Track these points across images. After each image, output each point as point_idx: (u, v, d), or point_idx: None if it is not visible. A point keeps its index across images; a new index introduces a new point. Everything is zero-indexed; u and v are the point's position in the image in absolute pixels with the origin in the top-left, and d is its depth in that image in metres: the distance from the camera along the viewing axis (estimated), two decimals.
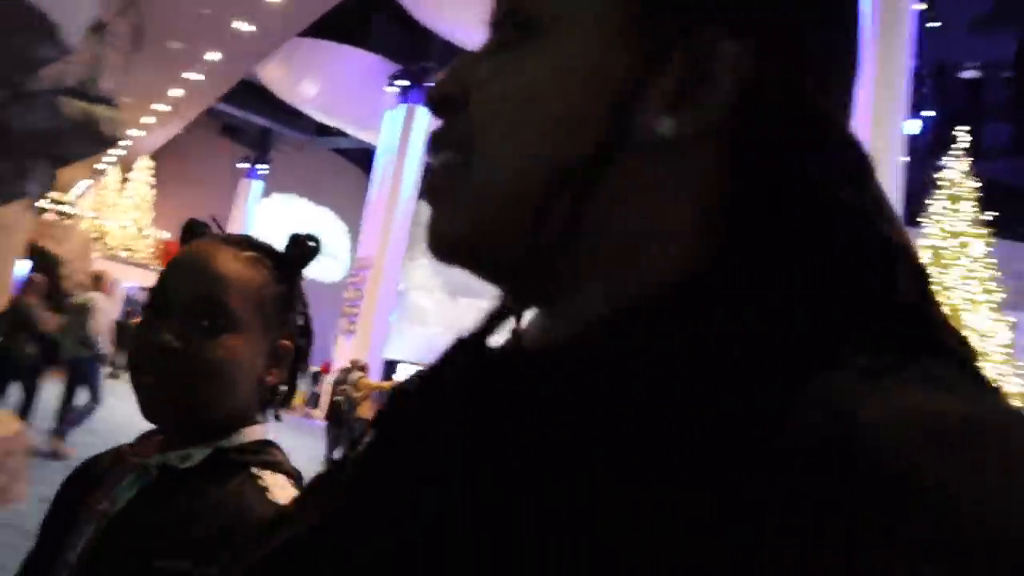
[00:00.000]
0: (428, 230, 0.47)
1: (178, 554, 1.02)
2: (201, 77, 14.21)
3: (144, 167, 21.72)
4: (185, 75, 14.06)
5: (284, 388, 1.23)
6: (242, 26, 11.60)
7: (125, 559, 1.06)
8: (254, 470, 1.12)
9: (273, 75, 14.66)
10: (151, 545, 1.04)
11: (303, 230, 1.25)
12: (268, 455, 1.16)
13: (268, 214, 22.18)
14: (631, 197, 0.44)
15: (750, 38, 0.43)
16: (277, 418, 1.24)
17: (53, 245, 13.17)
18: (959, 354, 0.38)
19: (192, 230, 1.26)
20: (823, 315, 0.38)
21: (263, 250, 1.20)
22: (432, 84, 0.49)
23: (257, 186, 22.21)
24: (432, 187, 0.47)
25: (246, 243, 1.20)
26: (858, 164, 0.44)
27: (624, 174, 0.44)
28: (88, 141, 9.65)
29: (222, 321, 1.11)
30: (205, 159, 21.67)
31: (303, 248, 1.24)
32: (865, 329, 0.37)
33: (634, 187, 0.44)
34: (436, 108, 0.48)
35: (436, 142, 0.48)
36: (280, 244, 1.21)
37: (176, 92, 15.04)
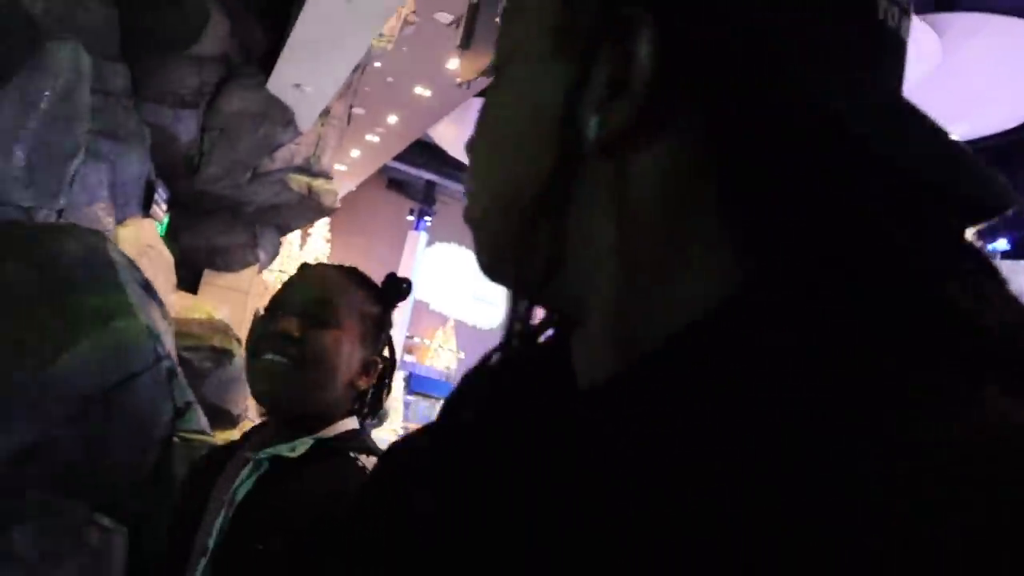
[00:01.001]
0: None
1: (295, 532, 1.16)
2: (378, 139, 15.22)
3: (322, 223, 23.14)
4: (367, 138, 15.09)
5: (371, 398, 1.42)
6: (423, 92, 12.47)
7: (254, 540, 1.21)
8: (352, 454, 1.30)
9: (445, 133, 15.55)
10: (275, 527, 1.20)
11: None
12: (361, 442, 1.34)
13: (433, 262, 23.19)
14: (595, 210, 0.42)
15: (666, 10, 0.39)
16: (362, 425, 1.41)
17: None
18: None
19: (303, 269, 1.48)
20: (887, 344, 0.34)
21: (366, 279, 1.45)
22: None
23: (423, 237, 23.27)
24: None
25: (354, 271, 1.47)
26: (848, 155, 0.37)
27: (590, 186, 0.42)
28: (310, 212, 10.59)
29: (331, 318, 1.34)
30: (374, 213, 22.91)
31: (397, 285, 1.47)
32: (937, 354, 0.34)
33: (594, 200, 0.42)
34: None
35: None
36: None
37: (355, 153, 16.12)
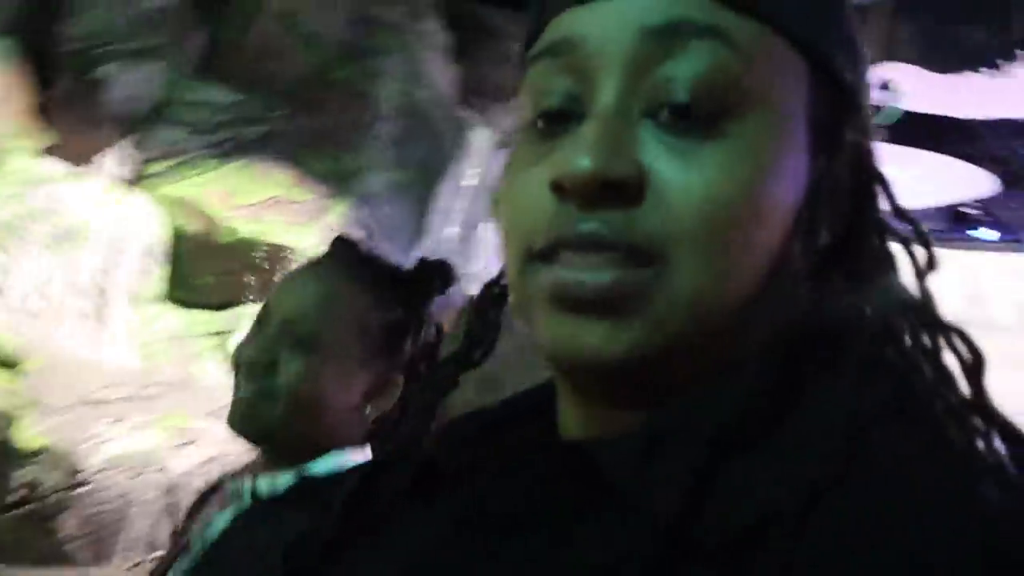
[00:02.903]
0: (599, 346, 0.41)
1: None
2: None
3: None
4: None
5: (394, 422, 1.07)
6: None
7: None
8: None
9: None
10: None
11: (434, 255, 1.16)
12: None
13: None
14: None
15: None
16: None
17: None
18: None
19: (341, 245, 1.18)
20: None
21: (384, 273, 1.12)
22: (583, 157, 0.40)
23: None
24: (608, 295, 0.41)
25: (362, 266, 1.12)
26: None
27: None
28: None
29: (310, 342, 1.04)
30: None
31: (429, 274, 1.13)
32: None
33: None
34: (591, 192, 0.40)
35: (599, 245, 0.41)
36: None
37: None
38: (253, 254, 4.44)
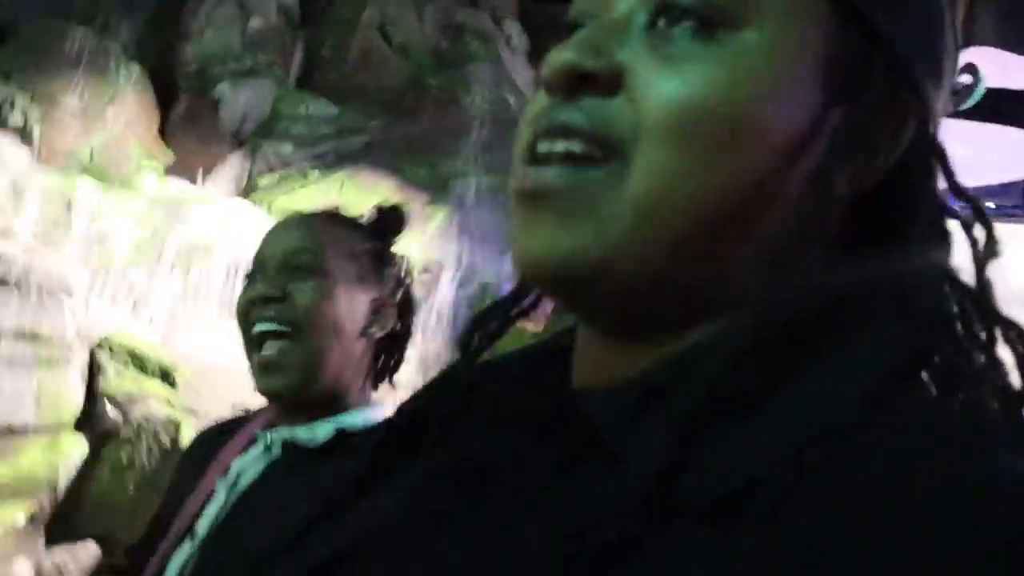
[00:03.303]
0: (538, 247, 0.41)
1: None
2: None
3: None
4: None
5: (390, 347, 1.22)
6: None
7: (254, 541, 1.00)
8: None
9: None
10: (278, 524, 0.98)
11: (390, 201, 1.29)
12: None
13: None
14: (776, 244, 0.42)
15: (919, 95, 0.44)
16: (391, 384, 1.24)
17: None
18: None
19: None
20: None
21: (350, 218, 1.25)
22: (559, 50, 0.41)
23: None
24: (558, 195, 0.40)
25: (335, 211, 1.26)
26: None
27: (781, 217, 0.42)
28: None
29: (313, 264, 1.14)
30: None
31: (389, 215, 1.26)
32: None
33: (783, 234, 0.42)
34: (567, 83, 0.41)
35: (567, 130, 0.41)
36: None
37: None
38: None
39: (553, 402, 0.44)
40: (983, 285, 0.42)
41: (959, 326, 0.40)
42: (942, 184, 0.45)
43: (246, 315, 1.14)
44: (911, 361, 0.39)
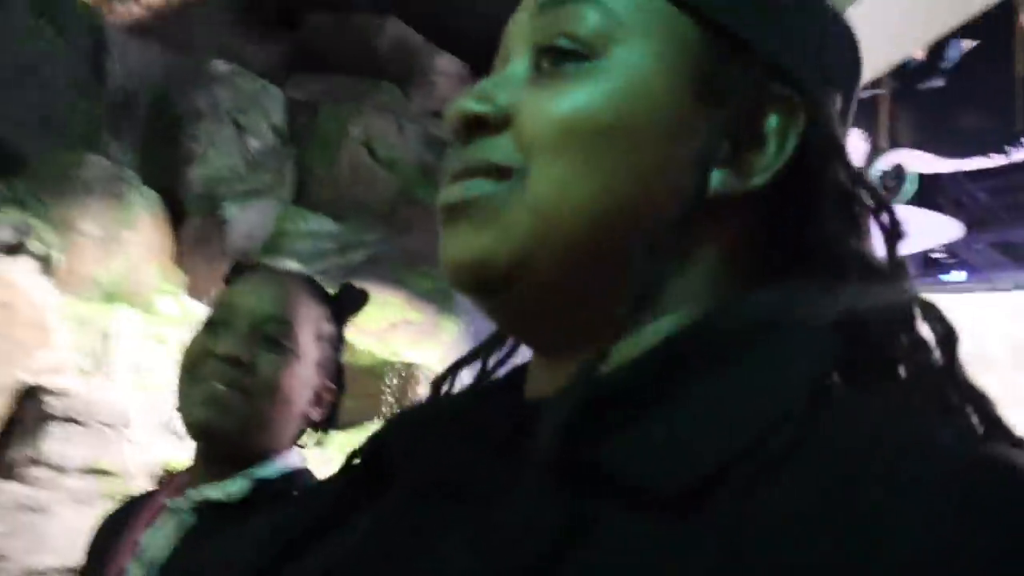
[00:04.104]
0: (456, 252, 0.45)
1: None
2: None
3: None
4: None
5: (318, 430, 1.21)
6: None
7: None
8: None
9: None
10: None
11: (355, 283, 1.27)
12: (310, 482, 1.12)
13: None
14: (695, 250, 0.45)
15: (809, 97, 0.46)
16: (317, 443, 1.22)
17: None
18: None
19: (240, 269, 1.24)
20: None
21: (322, 290, 1.22)
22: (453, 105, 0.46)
23: None
24: (468, 208, 0.45)
25: (311, 279, 1.23)
26: (892, 228, 0.45)
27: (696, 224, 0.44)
28: None
29: (284, 341, 1.11)
30: None
31: (354, 297, 1.24)
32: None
33: (696, 240, 0.45)
34: (465, 129, 0.46)
35: (468, 169, 0.46)
36: None
37: None
38: (390, 375, 4.70)
39: (510, 417, 0.46)
40: (896, 264, 0.45)
41: (877, 313, 0.43)
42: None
43: (200, 364, 1.10)
44: (834, 357, 0.41)
